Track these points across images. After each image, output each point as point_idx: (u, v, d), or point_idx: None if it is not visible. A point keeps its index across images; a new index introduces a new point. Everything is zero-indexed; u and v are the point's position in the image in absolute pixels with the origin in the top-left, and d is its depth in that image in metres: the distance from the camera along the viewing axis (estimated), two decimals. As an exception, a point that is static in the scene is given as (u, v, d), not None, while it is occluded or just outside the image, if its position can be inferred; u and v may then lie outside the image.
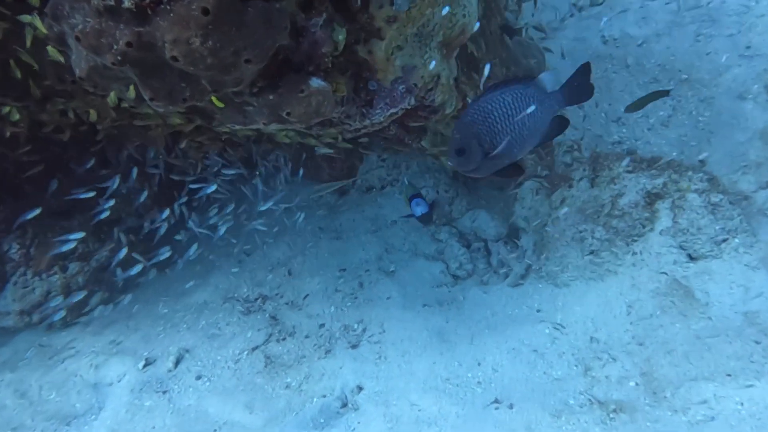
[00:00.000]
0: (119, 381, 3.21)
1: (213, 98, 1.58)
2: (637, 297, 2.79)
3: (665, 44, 5.14)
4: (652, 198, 2.94)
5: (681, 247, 2.80)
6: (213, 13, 1.46)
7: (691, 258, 2.78)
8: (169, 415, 2.93)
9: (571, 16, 5.89)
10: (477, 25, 2.42)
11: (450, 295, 3.55)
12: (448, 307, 3.40)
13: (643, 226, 2.91)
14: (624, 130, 4.95)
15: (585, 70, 1.83)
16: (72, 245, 3.55)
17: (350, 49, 2.00)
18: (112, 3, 1.39)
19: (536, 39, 5.86)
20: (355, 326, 3.39)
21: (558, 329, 2.91)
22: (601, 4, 5.85)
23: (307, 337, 3.38)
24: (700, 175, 2.95)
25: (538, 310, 3.12)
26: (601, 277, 2.98)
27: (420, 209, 3.14)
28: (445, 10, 2.03)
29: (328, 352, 3.23)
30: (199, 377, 3.18)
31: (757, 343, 2.29)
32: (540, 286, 3.25)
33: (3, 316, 3.51)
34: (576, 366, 2.67)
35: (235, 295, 3.88)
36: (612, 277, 2.95)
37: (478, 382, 2.81)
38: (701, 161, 4.28)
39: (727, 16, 5.03)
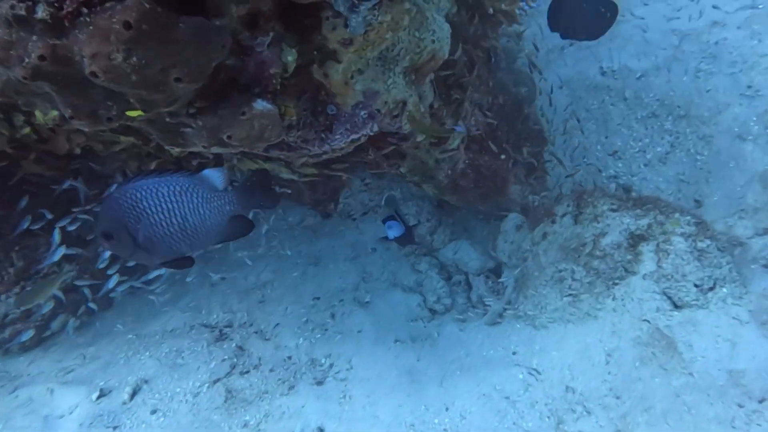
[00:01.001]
0: (70, 413, 3.03)
1: (129, 112, 1.45)
2: (617, 345, 2.60)
3: (665, 78, 5.03)
4: (635, 239, 2.78)
5: (665, 294, 2.63)
6: (136, 27, 1.34)
7: (676, 306, 2.60)
8: (115, 454, 2.74)
9: (571, 45, 5.81)
10: (447, 51, 2.30)
11: (425, 330, 3.37)
12: (422, 344, 3.22)
13: (626, 269, 2.74)
14: (620, 165, 4.81)
15: (262, 175, 1.79)
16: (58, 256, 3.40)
17: (306, 71, 1.89)
18: (23, 13, 1.28)
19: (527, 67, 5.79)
20: (323, 360, 3.21)
21: (533, 375, 2.72)
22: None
23: (272, 370, 3.20)
24: (688, 218, 2.78)
25: (515, 353, 2.93)
26: (580, 321, 2.80)
27: (393, 232, 2.95)
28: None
29: (291, 388, 3.05)
30: (154, 411, 3.00)
31: (741, 406, 2.09)
32: (518, 326, 3.07)
33: (-44, 336, 3.36)
34: (548, 418, 2.47)
35: (205, 321, 3.73)
36: (592, 321, 2.77)
37: (444, 430, 2.61)
38: (697, 201, 4.12)
39: (728, 54, 4.93)
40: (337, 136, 2.07)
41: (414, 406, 2.76)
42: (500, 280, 3.54)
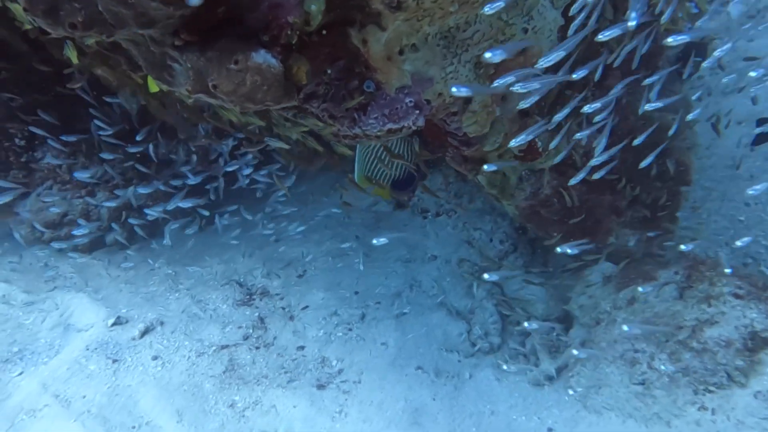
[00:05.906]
0: (86, 330, 3.04)
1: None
2: (686, 474, 1.94)
3: None
4: (758, 342, 2.04)
5: (779, 430, 1.89)
6: None
7: (792, 452, 1.86)
8: (103, 390, 2.65)
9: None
10: (547, 47, 1.75)
11: (456, 366, 2.88)
12: (445, 382, 2.74)
13: (731, 377, 2.03)
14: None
15: None
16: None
17: (342, 32, 1.48)
18: None
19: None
20: (334, 363, 2.88)
21: (561, 469, 2.15)
22: None
23: (280, 355, 2.94)
24: None
25: (550, 430, 2.36)
26: (645, 421, 2.15)
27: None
28: (488, 9, 1.42)
29: (291, 381, 2.76)
30: (155, 357, 2.89)
31: None
32: (565, 398, 2.47)
33: (18, 223, 3.53)
34: None
35: (241, 279, 3.58)
36: (661, 427, 2.10)
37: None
38: None
39: None
40: (371, 120, 1.65)
41: (405, 455, 2.32)
42: (567, 335, 2.92)
